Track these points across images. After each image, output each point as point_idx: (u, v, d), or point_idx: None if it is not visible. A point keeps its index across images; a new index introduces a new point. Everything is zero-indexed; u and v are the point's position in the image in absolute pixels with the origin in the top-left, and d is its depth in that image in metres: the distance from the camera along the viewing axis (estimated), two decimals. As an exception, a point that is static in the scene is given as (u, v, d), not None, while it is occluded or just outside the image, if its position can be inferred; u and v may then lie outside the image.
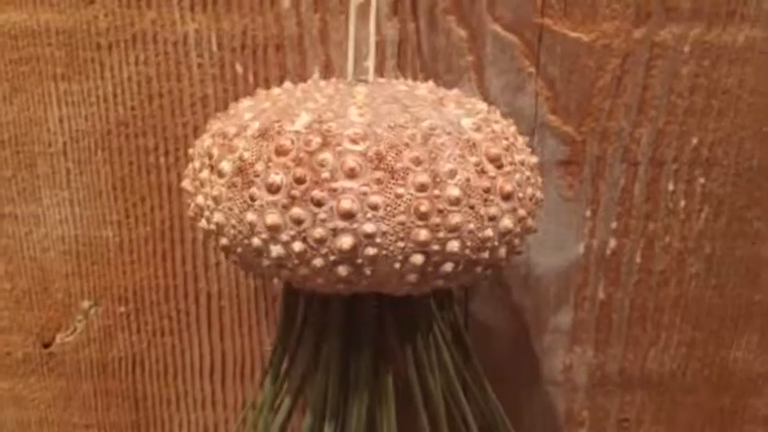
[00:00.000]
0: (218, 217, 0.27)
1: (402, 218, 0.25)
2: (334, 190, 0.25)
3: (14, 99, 0.37)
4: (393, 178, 0.25)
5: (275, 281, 0.35)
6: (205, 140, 0.29)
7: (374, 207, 0.25)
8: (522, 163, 0.28)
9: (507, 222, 0.27)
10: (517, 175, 0.27)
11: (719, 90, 0.37)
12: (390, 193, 0.25)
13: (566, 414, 0.42)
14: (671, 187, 0.38)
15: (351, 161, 0.25)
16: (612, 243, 0.39)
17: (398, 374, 0.32)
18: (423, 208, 0.25)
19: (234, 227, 0.26)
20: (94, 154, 0.38)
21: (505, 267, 0.40)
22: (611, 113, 0.37)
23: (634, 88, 0.37)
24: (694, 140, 0.37)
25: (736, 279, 0.40)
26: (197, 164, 0.28)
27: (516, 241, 0.28)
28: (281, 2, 0.36)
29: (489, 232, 0.26)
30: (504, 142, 0.28)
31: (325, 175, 0.25)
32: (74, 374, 0.42)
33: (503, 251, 0.27)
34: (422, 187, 0.25)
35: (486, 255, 0.27)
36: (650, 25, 0.36)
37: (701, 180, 0.38)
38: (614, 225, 0.39)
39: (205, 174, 0.27)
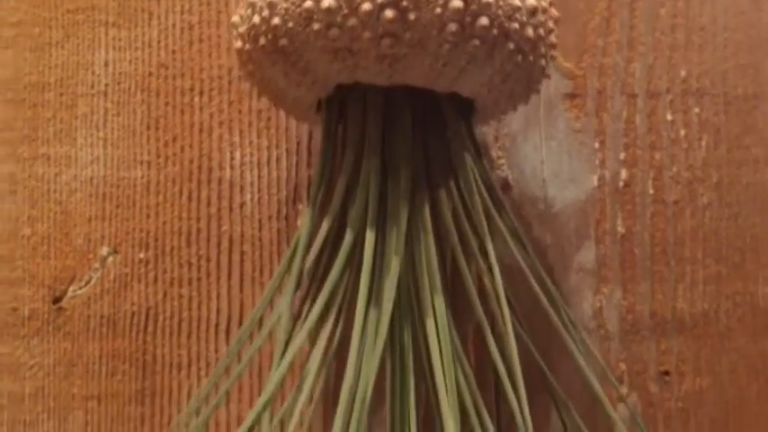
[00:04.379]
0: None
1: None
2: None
3: (66, 44, 0.41)
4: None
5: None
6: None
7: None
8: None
9: (532, 0, 0.30)
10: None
11: (697, 27, 0.42)
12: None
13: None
14: (669, 117, 0.41)
15: None
16: (624, 174, 0.41)
17: (435, 207, 0.32)
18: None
19: (287, -1, 0.29)
20: (133, 95, 0.41)
21: (523, 203, 0.41)
22: (605, 50, 0.42)
23: (622, 28, 0.42)
24: (683, 72, 0.42)
25: (748, 207, 0.41)
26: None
27: (542, 31, 0.30)
28: (312, -40, 0.41)
29: (517, 2, 0.29)
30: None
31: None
32: (81, 334, 0.39)
33: (530, 31, 0.30)
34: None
35: (516, 26, 0.29)
36: (627, -26, 0.42)
37: (696, 109, 0.41)
38: (623, 156, 0.41)
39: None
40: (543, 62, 0.31)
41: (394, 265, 0.29)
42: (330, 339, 0.30)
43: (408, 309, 0.31)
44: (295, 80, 0.31)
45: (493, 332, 0.32)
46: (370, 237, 0.29)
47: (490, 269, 0.32)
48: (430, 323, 0.30)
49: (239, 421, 0.39)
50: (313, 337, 0.30)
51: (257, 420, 0.27)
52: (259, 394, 0.38)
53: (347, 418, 0.28)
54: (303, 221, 0.31)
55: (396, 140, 0.31)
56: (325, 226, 0.31)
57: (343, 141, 0.32)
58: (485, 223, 0.31)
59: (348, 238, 0.30)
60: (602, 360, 0.35)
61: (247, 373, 0.39)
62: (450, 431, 0.29)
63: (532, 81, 0.32)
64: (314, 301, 0.29)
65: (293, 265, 0.30)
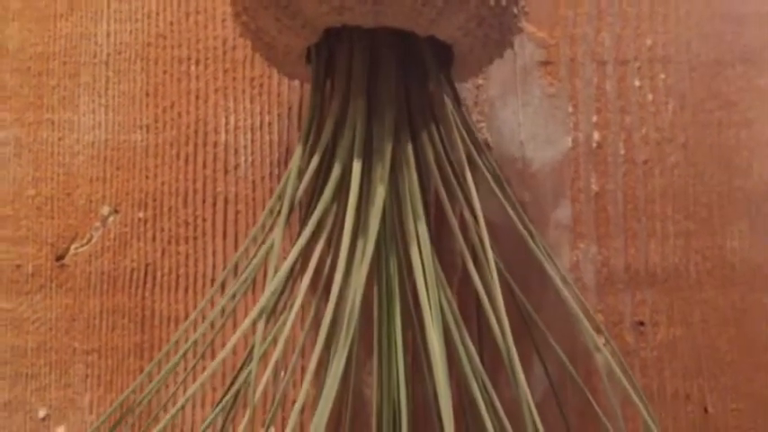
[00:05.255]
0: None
1: None
2: None
3: (70, 17, 0.43)
4: None
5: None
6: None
7: None
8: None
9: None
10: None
11: None
12: None
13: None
14: (637, 83, 0.44)
15: None
16: (596, 136, 0.44)
17: (417, 146, 0.34)
18: None
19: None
20: (133, 63, 0.43)
21: (503, 164, 0.43)
22: (576, 21, 0.44)
23: (591, 0, 0.45)
24: (649, 41, 0.44)
25: (713, 167, 0.44)
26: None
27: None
28: (302, -60, 0.44)
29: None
30: None
31: None
32: (82, 290, 0.41)
33: (502, -20, 0.33)
34: None
35: (489, -26, 0.32)
36: (595, -47, 0.45)
37: (662, 76, 0.44)
38: (595, 119, 0.44)
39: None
40: (515, 10, 0.34)
41: (379, 193, 0.31)
42: (320, 263, 0.32)
43: (393, 237, 0.33)
44: (286, 25, 0.33)
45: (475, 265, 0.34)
46: (356, 168, 0.32)
47: (470, 203, 0.34)
48: (414, 249, 0.32)
49: (233, 367, 0.40)
50: (304, 261, 0.32)
51: (250, 330, 0.29)
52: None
53: (332, 332, 0.30)
54: (294, 156, 0.33)
55: (380, 84, 0.34)
56: (315, 160, 0.33)
57: (331, 92, 0.34)
58: (465, 160, 0.34)
59: (336, 170, 0.32)
60: (581, 296, 0.36)
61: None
62: (435, 352, 0.31)
63: (505, 29, 0.35)
64: (305, 226, 0.31)
65: (285, 193, 0.32)
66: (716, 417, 0.41)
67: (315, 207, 0.32)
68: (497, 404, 0.32)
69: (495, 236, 0.42)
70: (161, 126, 0.43)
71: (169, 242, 0.42)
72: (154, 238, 0.42)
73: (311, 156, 0.33)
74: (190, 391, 0.28)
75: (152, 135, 0.42)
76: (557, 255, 0.42)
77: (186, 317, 0.41)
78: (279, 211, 0.33)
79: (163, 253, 0.42)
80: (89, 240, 0.42)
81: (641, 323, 0.42)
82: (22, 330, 0.41)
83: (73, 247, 0.42)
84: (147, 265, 0.41)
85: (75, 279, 0.41)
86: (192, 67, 0.43)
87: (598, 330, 0.42)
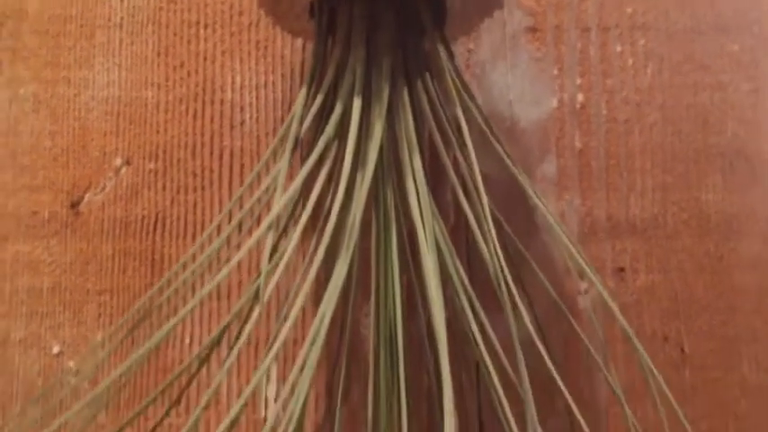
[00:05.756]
0: None
1: None
2: None
3: (87, -18, 0.46)
4: None
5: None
6: None
7: None
8: None
9: None
10: None
11: (639, -29, 0.48)
12: None
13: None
14: (618, 48, 0.47)
15: None
16: (580, 97, 0.46)
17: (413, 91, 0.37)
18: None
19: None
20: (146, 26, 0.46)
21: (493, 121, 0.46)
22: (561, -10, 0.48)
23: (575, -28, 0.48)
24: (629, 10, 0.47)
25: (689, 126, 0.47)
26: None
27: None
28: None
29: None
30: None
31: None
32: (96, 235, 0.44)
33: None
34: None
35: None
36: (579, -73, 0.48)
37: (642, 41, 0.47)
38: (579, 81, 0.47)
39: None
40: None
41: (377, 129, 0.34)
42: (322, 197, 0.35)
43: (390, 169, 0.35)
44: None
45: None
46: (356, 105, 0.34)
47: (462, 146, 0.37)
48: (409, 179, 0.34)
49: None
50: (306, 193, 0.35)
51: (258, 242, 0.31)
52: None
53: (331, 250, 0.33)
54: (298, 97, 0.36)
55: (378, 36, 0.36)
56: (318, 100, 0.36)
57: (333, 43, 0.37)
58: (458, 106, 0.36)
59: (338, 109, 0.35)
60: (567, 232, 0.39)
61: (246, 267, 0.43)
62: (429, 274, 0.33)
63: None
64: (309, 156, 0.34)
65: (289, 131, 0.35)
66: (692, 356, 0.44)
67: (318, 140, 0.34)
68: (488, 328, 0.35)
69: (487, 185, 0.45)
70: (171, 84, 0.45)
71: (178, 192, 0.44)
72: (164, 188, 0.44)
73: (314, 97, 0.36)
74: (198, 297, 0.30)
75: (162, 92, 0.45)
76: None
77: (194, 261, 0.44)
78: (283, 150, 0.36)
79: (172, 202, 0.44)
80: (102, 189, 0.44)
81: (622, 269, 0.45)
82: (38, 272, 0.43)
83: (87, 195, 0.44)
84: (157, 213, 0.44)
85: (89, 225, 0.44)
86: (201, 31, 0.46)
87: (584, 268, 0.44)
